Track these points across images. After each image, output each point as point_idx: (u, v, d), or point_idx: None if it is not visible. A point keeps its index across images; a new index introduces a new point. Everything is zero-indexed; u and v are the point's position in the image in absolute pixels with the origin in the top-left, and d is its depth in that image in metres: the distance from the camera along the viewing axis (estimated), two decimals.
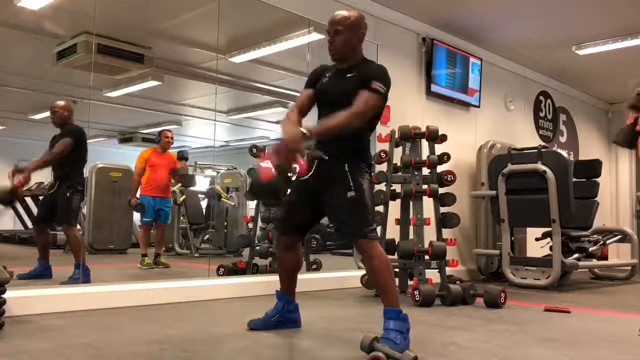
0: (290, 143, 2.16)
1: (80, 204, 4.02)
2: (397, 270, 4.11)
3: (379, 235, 2.53)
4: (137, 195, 5.46)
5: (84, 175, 4.06)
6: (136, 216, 6.00)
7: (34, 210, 7.57)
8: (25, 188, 3.92)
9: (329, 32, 2.52)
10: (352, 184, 2.36)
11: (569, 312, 3.51)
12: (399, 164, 4.26)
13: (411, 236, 4.16)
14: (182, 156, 5.70)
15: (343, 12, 2.52)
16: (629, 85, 3.01)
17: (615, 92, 8.24)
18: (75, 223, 3.97)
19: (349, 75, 2.47)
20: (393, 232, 4.30)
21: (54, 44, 4.85)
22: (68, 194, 3.86)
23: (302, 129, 2.21)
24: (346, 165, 2.40)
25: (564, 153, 6.35)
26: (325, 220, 2.82)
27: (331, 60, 2.57)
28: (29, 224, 8.16)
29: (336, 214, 2.47)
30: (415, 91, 5.53)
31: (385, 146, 4.33)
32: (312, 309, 3.26)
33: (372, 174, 2.54)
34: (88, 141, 4.04)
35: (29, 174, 3.79)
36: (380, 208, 4.19)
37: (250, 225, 5.00)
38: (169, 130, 5.68)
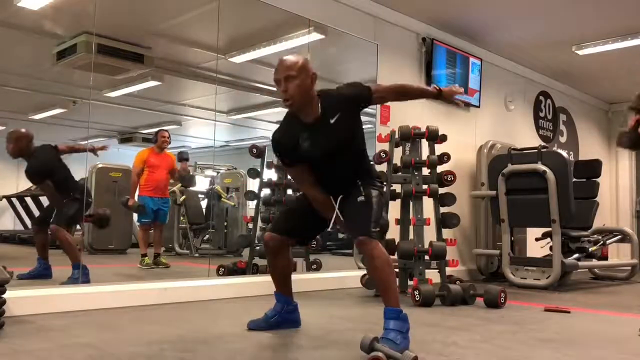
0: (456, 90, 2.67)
1: (76, 213, 3.96)
2: (397, 270, 4.11)
3: (379, 235, 2.55)
4: (136, 195, 5.46)
5: (80, 183, 4.05)
6: (136, 216, 6.00)
7: (34, 210, 7.58)
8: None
9: (278, 81, 2.37)
10: (362, 191, 2.44)
11: (569, 312, 3.51)
12: (399, 164, 4.26)
13: (411, 236, 4.16)
14: (182, 157, 5.68)
15: (290, 58, 2.40)
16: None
17: (615, 92, 8.25)
18: (65, 226, 3.91)
19: (332, 120, 2.39)
20: (393, 232, 4.30)
21: (54, 44, 4.84)
22: (64, 201, 3.86)
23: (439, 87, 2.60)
24: (359, 181, 2.48)
25: (564, 153, 6.34)
26: None
27: (288, 110, 2.46)
28: (29, 224, 8.16)
29: (346, 217, 2.49)
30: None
31: (385, 146, 4.33)
32: (312, 309, 3.26)
33: (382, 186, 2.61)
34: (88, 141, 4.03)
35: None
36: (382, 214, 4.20)
37: (250, 225, 5.00)
38: (165, 130, 5.67)
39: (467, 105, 6.09)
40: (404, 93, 2.68)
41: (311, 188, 2.54)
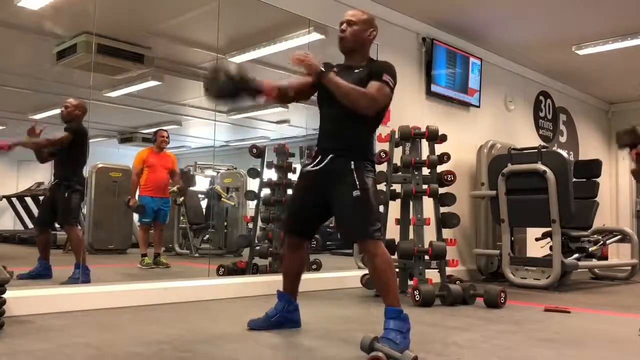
0: (311, 61, 2.40)
1: (79, 203, 4.01)
2: (397, 270, 4.11)
3: (381, 234, 2.55)
4: (136, 196, 5.46)
5: (84, 176, 4.05)
6: (136, 216, 6.00)
7: (34, 210, 7.58)
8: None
9: (341, 23, 2.56)
10: (357, 183, 2.38)
11: (569, 312, 3.51)
12: (399, 164, 4.26)
13: (411, 236, 4.16)
14: (184, 177, 5.69)
15: (359, 10, 2.61)
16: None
17: (615, 92, 8.25)
18: (75, 223, 3.97)
19: (356, 71, 2.51)
20: (393, 232, 4.30)
21: (54, 44, 4.85)
22: (66, 194, 3.85)
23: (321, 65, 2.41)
24: (352, 163, 2.42)
25: (564, 153, 6.34)
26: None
27: (339, 50, 2.59)
28: (29, 224, 8.16)
29: (341, 213, 2.47)
30: (415, 91, 5.53)
31: (385, 146, 4.34)
32: (312, 309, 3.26)
33: (375, 173, 2.56)
34: (88, 141, 4.03)
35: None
36: (380, 208, 4.19)
37: (250, 225, 5.01)
38: (164, 130, 5.67)
39: (467, 105, 6.09)
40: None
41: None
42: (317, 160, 2.52)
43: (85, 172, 4.20)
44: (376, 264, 2.33)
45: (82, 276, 3.60)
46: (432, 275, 4.14)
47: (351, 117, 2.44)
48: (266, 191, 4.93)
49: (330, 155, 2.47)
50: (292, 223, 2.67)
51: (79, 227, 4.23)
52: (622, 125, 3.27)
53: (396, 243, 4.11)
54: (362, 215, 2.37)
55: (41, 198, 4.55)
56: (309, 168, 2.56)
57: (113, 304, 3.23)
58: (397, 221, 4.24)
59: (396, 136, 4.33)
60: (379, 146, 4.40)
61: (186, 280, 3.80)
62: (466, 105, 6.08)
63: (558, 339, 2.70)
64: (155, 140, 5.60)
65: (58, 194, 3.88)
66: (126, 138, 8.75)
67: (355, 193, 2.36)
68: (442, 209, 4.21)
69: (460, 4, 5.16)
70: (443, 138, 4.23)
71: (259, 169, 4.87)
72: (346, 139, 2.47)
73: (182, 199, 6.86)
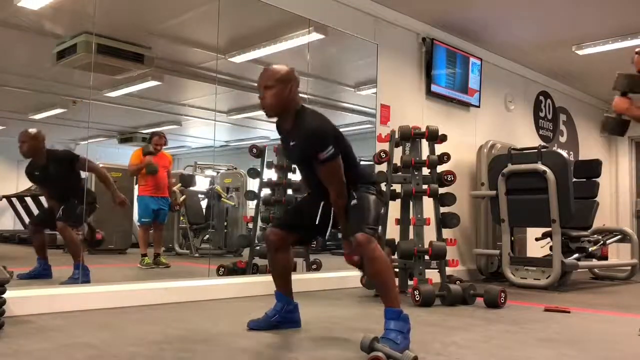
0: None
1: (82, 213, 3.98)
2: (397, 270, 4.11)
3: (378, 235, 2.55)
4: (135, 194, 5.47)
5: (85, 185, 4.07)
6: (135, 216, 6.00)
7: (34, 210, 7.58)
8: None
9: (258, 88, 2.50)
10: (355, 195, 2.46)
11: (569, 312, 3.51)
12: (399, 164, 4.26)
13: (411, 236, 4.16)
14: (149, 152, 5.64)
15: (273, 67, 2.51)
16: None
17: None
18: (73, 225, 3.94)
19: (292, 143, 2.49)
20: (393, 232, 4.30)
21: (54, 44, 4.84)
22: (76, 201, 3.87)
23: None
24: (352, 191, 2.49)
25: (564, 153, 6.35)
26: None
27: (266, 116, 2.56)
28: (28, 223, 8.16)
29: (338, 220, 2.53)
30: (415, 91, 5.53)
31: (385, 146, 4.34)
32: (312, 308, 3.26)
33: (380, 192, 2.60)
34: (89, 141, 4.04)
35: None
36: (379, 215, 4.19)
37: (250, 225, 5.01)
38: (160, 136, 5.64)
39: (467, 105, 6.09)
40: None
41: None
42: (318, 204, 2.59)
43: (85, 172, 4.19)
44: (374, 265, 2.33)
45: (82, 276, 3.60)
46: (432, 275, 4.14)
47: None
48: (266, 191, 4.93)
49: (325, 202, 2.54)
50: (284, 217, 2.74)
51: (85, 226, 4.23)
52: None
53: (396, 243, 4.11)
54: (357, 214, 2.41)
55: (41, 198, 4.53)
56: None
57: (113, 304, 3.23)
58: (397, 221, 4.24)
59: (396, 136, 4.33)
60: (379, 146, 4.40)
61: (186, 280, 3.81)
62: (466, 105, 6.08)
63: (558, 339, 2.70)
64: (150, 140, 5.61)
65: (68, 202, 3.90)
66: (126, 138, 8.74)
67: (353, 202, 2.44)
68: (442, 209, 4.21)
69: (460, 4, 5.16)
70: (443, 138, 4.23)
71: (259, 169, 4.87)
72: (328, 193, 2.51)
73: (182, 198, 6.87)
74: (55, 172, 3.89)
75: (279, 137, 2.65)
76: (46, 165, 3.90)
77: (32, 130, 3.95)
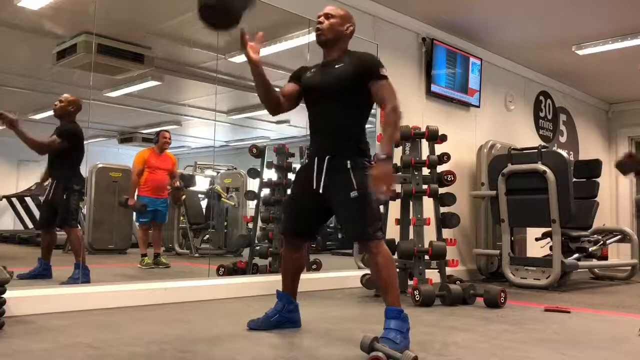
0: (386, 176, 2.23)
1: (78, 204, 3.99)
2: (397, 270, 4.11)
3: (382, 234, 2.54)
4: (135, 196, 5.47)
5: (83, 175, 4.04)
6: (135, 216, 6.01)
7: (34, 210, 7.58)
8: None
9: (319, 16, 2.58)
10: (354, 183, 2.37)
11: (569, 312, 3.51)
12: (399, 164, 4.26)
13: (411, 236, 4.16)
14: (183, 180, 5.68)
15: (337, 6, 2.64)
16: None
17: (615, 92, 8.25)
18: (75, 224, 3.95)
19: (337, 66, 2.51)
20: (393, 232, 4.30)
21: (54, 44, 4.85)
22: (65, 196, 3.85)
23: (382, 156, 2.29)
24: (348, 162, 2.41)
25: (564, 153, 6.34)
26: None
27: (316, 42, 2.60)
28: (29, 224, 8.16)
29: (341, 214, 2.48)
30: (415, 91, 5.53)
31: None
32: (312, 308, 3.26)
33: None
34: (88, 141, 4.03)
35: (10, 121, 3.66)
36: (380, 208, 4.19)
37: (250, 225, 5.01)
38: (167, 131, 5.67)
39: (467, 105, 6.09)
40: (385, 113, 2.50)
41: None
42: (313, 162, 2.50)
43: (85, 172, 4.19)
44: (377, 262, 2.33)
45: (82, 276, 3.60)
46: (432, 275, 4.14)
47: (343, 112, 2.47)
48: (266, 191, 4.93)
49: (327, 157, 2.45)
50: (291, 223, 2.66)
51: (79, 227, 4.22)
52: (622, 125, 3.25)
53: (396, 243, 4.11)
54: (361, 216, 2.36)
55: (41, 199, 4.53)
56: (305, 168, 2.56)
57: (113, 304, 3.23)
58: (397, 221, 4.24)
59: None
60: (379, 146, 4.39)
61: (186, 280, 3.81)
62: (466, 105, 6.08)
63: (558, 339, 2.70)
64: (157, 141, 5.60)
65: (57, 195, 3.87)
66: (126, 138, 8.75)
67: (353, 194, 2.35)
68: (442, 209, 4.21)
69: (460, 4, 5.16)
70: (443, 138, 4.23)
71: (259, 169, 4.87)
72: (340, 137, 2.46)
73: (183, 198, 6.87)
74: (67, 129, 3.87)
75: (310, 70, 2.61)
76: (58, 130, 3.89)
77: (68, 96, 3.96)
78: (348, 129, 2.48)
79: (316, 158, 2.49)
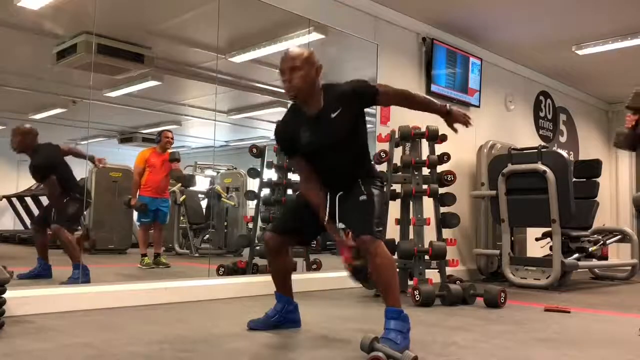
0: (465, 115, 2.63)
1: (78, 213, 3.99)
2: (397, 270, 4.11)
3: (383, 236, 2.57)
4: (137, 195, 5.46)
5: (78, 180, 4.06)
6: (135, 216, 6.00)
7: (34, 210, 7.57)
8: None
9: (283, 71, 2.40)
10: (363, 190, 2.43)
11: (569, 312, 3.51)
12: (399, 164, 4.26)
13: (411, 236, 4.16)
14: (174, 158, 5.63)
15: (296, 49, 2.46)
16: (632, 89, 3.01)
17: (615, 92, 8.24)
18: (67, 225, 3.93)
19: (333, 115, 2.40)
20: (393, 232, 4.30)
21: (54, 44, 4.84)
22: (65, 200, 3.86)
23: (448, 108, 2.60)
24: (360, 180, 2.47)
25: (564, 153, 6.34)
26: None
27: (292, 102, 2.49)
28: (29, 224, 8.15)
29: (347, 214, 2.48)
30: (415, 91, 5.51)
31: (385, 146, 4.33)
32: (312, 309, 3.26)
33: (383, 185, 2.60)
34: (88, 141, 4.03)
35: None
36: (382, 212, 4.19)
37: (250, 225, 5.01)
38: (169, 131, 5.67)
39: (467, 105, 6.09)
40: (410, 100, 2.61)
41: (307, 185, 2.54)
42: (326, 191, 2.53)
43: (85, 172, 4.19)
44: (378, 263, 2.33)
45: (82, 276, 3.60)
46: (432, 275, 4.14)
47: (350, 157, 2.49)
48: (266, 191, 4.93)
49: (340, 194, 2.49)
50: (281, 221, 2.69)
51: (79, 227, 4.23)
52: (622, 125, 3.27)
53: (396, 243, 4.11)
54: (366, 214, 2.39)
55: (41, 198, 4.54)
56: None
57: (113, 304, 3.23)
58: (397, 221, 4.24)
59: (396, 136, 4.33)
60: (379, 146, 4.40)
61: (186, 280, 3.81)
62: (466, 105, 6.07)
63: (558, 339, 2.70)
64: (159, 140, 5.60)
65: (57, 198, 3.89)
66: (126, 138, 8.74)
67: (362, 197, 2.41)
68: (442, 209, 4.21)
69: (460, 4, 5.16)
70: (443, 138, 4.22)
71: (259, 169, 4.87)
72: (350, 177, 2.49)
73: (183, 197, 6.87)
74: (41, 167, 3.88)
75: (301, 134, 2.45)
76: (32, 160, 3.90)
77: (22, 126, 3.96)
78: (356, 168, 2.52)
79: (328, 190, 2.52)
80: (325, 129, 2.41)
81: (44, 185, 3.90)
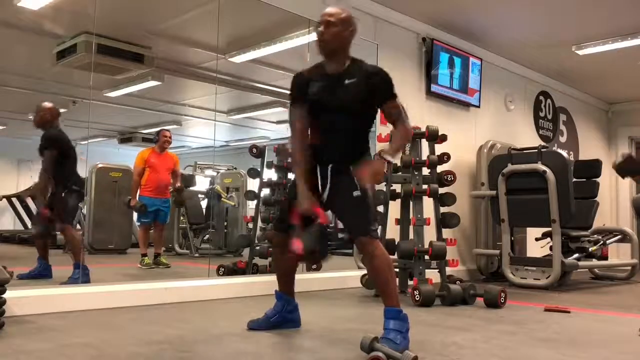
0: (379, 174, 2.32)
1: (77, 203, 4.00)
2: (397, 270, 4.11)
3: (379, 235, 2.55)
4: (137, 196, 5.46)
5: (80, 175, 4.05)
6: (135, 216, 6.01)
7: (34, 210, 7.58)
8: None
9: (319, 24, 2.47)
10: (357, 184, 2.38)
11: (569, 312, 3.51)
12: (399, 164, 4.26)
13: (411, 236, 4.16)
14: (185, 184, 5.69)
15: (336, 8, 2.52)
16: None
17: (615, 92, 8.25)
18: (71, 222, 3.95)
19: (347, 81, 2.43)
20: (393, 232, 4.30)
21: (54, 44, 4.85)
22: (63, 195, 3.86)
23: (385, 157, 2.34)
24: (350, 167, 2.42)
25: (564, 153, 6.35)
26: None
27: (319, 54, 2.51)
28: (29, 224, 8.16)
29: (342, 213, 2.48)
30: (415, 91, 5.53)
31: (386, 146, 4.33)
32: (312, 309, 3.26)
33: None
34: (88, 141, 4.03)
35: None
36: (380, 208, 4.19)
37: (250, 225, 5.01)
38: (167, 130, 5.67)
39: (467, 105, 6.09)
40: (394, 126, 2.52)
41: (296, 143, 2.52)
42: (315, 168, 2.49)
43: (85, 172, 4.19)
44: (375, 264, 2.33)
45: (82, 276, 3.60)
46: (432, 275, 4.14)
47: (354, 126, 2.46)
48: (266, 191, 4.93)
49: (330, 166, 2.46)
50: (283, 219, 2.68)
51: (79, 227, 4.23)
52: (622, 125, 3.26)
53: (396, 243, 4.11)
54: (362, 213, 2.37)
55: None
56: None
57: (113, 304, 3.23)
58: (397, 221, 4.24)
59: None
60: (379, 146, 4.39)
61: (186, 280, 3.80)
62: (466, 105, 6.08)
63: (558, 339, 2.70)
64: (157, 140, 5.59)
65: (55, 196, 3.88)
66: (126, 138, 8.75)
67: (356, 193, 2.37)
68: (442, 209, 4.21)
69: (460, 4, 5.16)
70: (443, 138, 4.22)
71: (259, 169, 4.87)
72: (347, 148, 2.46)
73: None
74: (49, 137, 3.90)
75: (312, 83, 2.48)
76: (45, 132, 3.92)
77: (46, 102, 4.01)
78: (356, 140, 2.50)
79: (318, 165, 2.48)
80: (336, 90, 2.44)
81: (43, 159, 3.88)
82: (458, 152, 5.37)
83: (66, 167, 3.93)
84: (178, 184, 5.76)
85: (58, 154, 3.87)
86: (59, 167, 3.89)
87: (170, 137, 5.61)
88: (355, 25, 2.52)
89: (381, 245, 2.36)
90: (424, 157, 4.18)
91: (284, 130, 8.41)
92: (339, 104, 2.42)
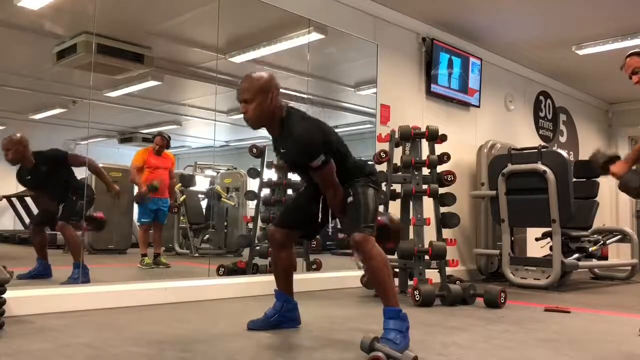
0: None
1: (81, 209, 4.01)
2: (397, 270, 4.11)
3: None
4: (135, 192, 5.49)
5: (80, 179, 4.07)
6: (135, 216, 6.00)
7: (34, 210, 7.57)
8: None
9: (239, 101, 2.42)
10: (350, 192, 2.45)
11: (569, 312, 3.51)
12: (399, 164, 4.26)
13: (411, 236, 4.16)
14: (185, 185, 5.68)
15: (250, 77, 2.40)
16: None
17: (615, 92, 8.24)
18: (73, 222, 3.95)
19: (282, 150, 2.48)
20: None
21: (54, 44, 4.84)
22: (74, 198, 3.88)
23: None
24: (345, 184, 2.49)
25: (564, 153, 6.33)
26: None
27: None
28: (29, 224, 8.16)
29: (342, 221, 2.56)
30: (415, 91, 5.53)
31: (385, 146, 4.34)
32: (312, 308, 3.26)
33: (377, 183, 2.57)
34: (88, 141, 4.03)
35: None
36: (380, 208, 4.19)
37: (250, 225, 5.01)
38: (163, 137, 5.67)
39: (467, 105, 6.09)
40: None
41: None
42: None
43: (85, 171, 4.20)
44: (372, 264, 2.33)
45: (82, 276, 3.60)
46: (432, 275, 4.14)
47: (318, 174, 2.45)
48: (266, 191, 4.93)
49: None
50: (285, 215, 2.73)
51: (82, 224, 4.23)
52: (622, 125, 3.27)
53: None
54: (354, 214, 2.40)
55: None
56: None
57: (113, 304, 3.23)
58: None
59: (396, 136, 4.33)
60: (379, 146, 4.40)
61: (186, 280, 3.80)
62: (466, 105, 6.08)
63: (558, 339, 2.70)
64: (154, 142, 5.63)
65: (62, 195, 3.90)
66: (126, 138, 8.74)
67: (349, 199, 2.44)
68: (442, 209, 4.21)
69: (460, 4, 5.16)
70: (443, 138, 4.23)
71: (259, 169, 4.87)
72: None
73: (182, 198, 6.87)
74: (46, 173, 3.89)
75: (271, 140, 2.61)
76: (35, 168, 3.90)
77: (15, 136, 3.92)
78: (339, 173, 2.49)
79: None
80: (282, 155, 2.54)
81: (49, 185, 3.88)
82: (458, 152, 5.37)
83: (72, 176, 3.95)
84: (175, 187, 5.79)
85: (67, 172, 3.90)
86: (65, 180, 3.91)
87: (162, 143, 5.62)
88: (275, 84, 2.40)
89: (377, 246, 2.37)
90: (424, 157, 4.18)
91: None
92: (290, 166, 2.58)
